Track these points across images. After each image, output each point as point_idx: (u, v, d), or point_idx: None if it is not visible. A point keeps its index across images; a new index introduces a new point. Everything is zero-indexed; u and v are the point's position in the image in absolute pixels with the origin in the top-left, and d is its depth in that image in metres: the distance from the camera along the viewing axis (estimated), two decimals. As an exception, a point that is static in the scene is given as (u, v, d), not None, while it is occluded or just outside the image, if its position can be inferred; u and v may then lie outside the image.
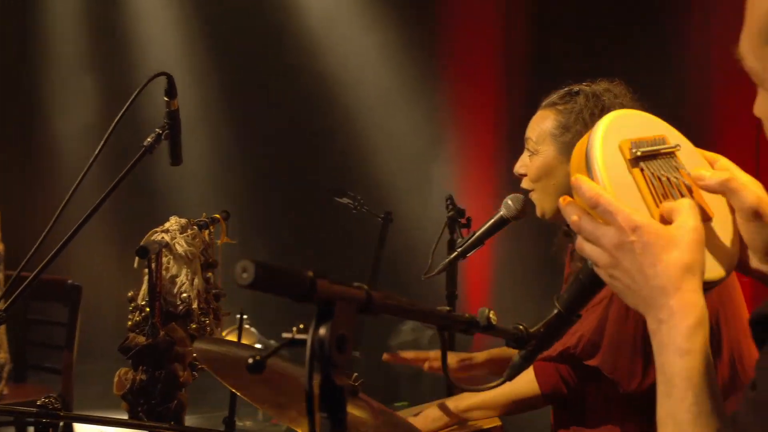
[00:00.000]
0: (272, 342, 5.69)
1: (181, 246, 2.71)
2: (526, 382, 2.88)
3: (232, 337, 4.40)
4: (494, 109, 7.04)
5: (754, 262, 1.62)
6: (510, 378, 1.88)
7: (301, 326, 1.38)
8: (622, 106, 2.98)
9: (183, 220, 2.75)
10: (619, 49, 6.36)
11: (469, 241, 3.20)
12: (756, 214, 1.57)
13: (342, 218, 5.39)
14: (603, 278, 1.58)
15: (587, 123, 2.96)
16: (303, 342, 1.43)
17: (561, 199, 1.63)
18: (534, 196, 3.09)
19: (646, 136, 1.62)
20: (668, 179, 1.59)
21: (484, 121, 7.05)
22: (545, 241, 4.19)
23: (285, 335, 1.45)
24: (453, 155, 6.97)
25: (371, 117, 6.87)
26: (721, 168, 1.65)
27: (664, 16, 6.57)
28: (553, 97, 3.11)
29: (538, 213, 3.11)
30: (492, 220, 3.18)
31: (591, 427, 2.92)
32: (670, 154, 1.63)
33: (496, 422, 3.04)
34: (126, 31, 7.99)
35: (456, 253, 3.22)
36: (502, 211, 3.16)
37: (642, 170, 1.58)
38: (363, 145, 6.85)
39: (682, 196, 1.59)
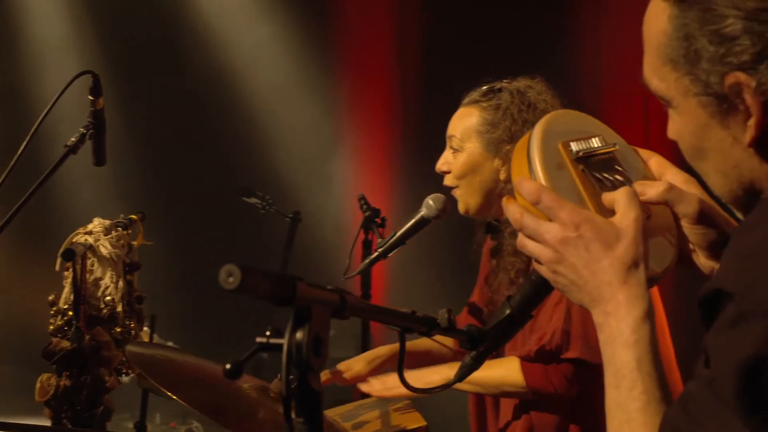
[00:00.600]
0: (170, 344, 5.60)
1: (105, 248, 2.65)
2: (515, 373, 2.91)
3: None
4: (388, 106, 7.06)
5: (700, 259, 1.66)
6: (460, 379, 1.88)
7: (273, 329, 1.35)
8: (546, 102, 3.04)
9: (107, 222, 2.69)
10: (511, 40, 6.43)
11: (390, 241, 3.19)
12: (701, 218, 1.61)
13: (250, 218, 5.34)
14: (546, 275, 1.60)
15: (515, 119, 3.02)
16: (277, 346, 1.42)
17: (504, 200, 1.65)
18: (458, 193, 3.12)
19: (584, 136, 1.65)
20: (607, 178, 1.62)
21: (378, 118, 7.06)
22: (445, 241, 4.25)
23: (259, 339, 1.42)
24: (351, 152, 6.96)
25: (271, 113, 6.81)
26: (657, 165, 1.69)
27: (555, 9, 6.66)
28: (475, 94, 3.15)
29: (462, 209, 3.14)
30: (413, 220, 3.18)
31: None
32: (608, 154, 1.66)
33: (421, 422, 3.06)
34: (9, 28, 7.76)
35: (377, 253, 3.21)
36: (423, 211, 3.16)
37: (582, 170, 1.61)
38: (265, 143, 6.79)
39: None
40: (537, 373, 2.89)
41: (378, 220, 3.59)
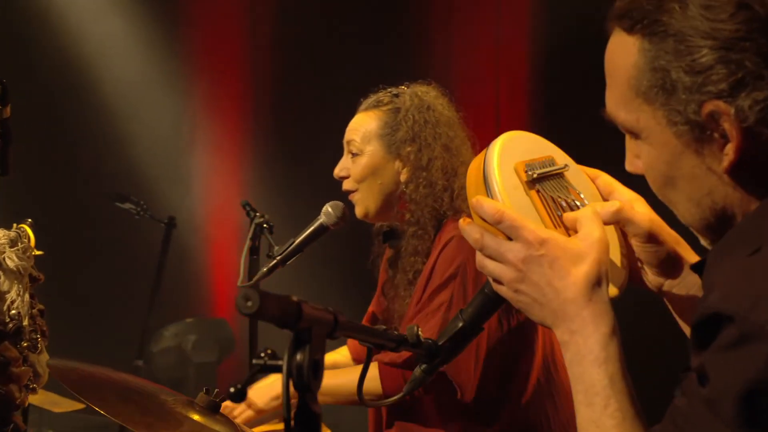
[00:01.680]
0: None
1: (12, 260, 2.55)
2: (370, 380, 2.93)
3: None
4: (241, 105, 7.00)
5: (650, 277, 1.71)
6: (409, 392, 1.91)
7: (269, 351, 1.33)
8: (443, 105, 3.12)
9: (12, 233, 2.58)
10: (366, 36, 6.47)
11: (289, 249, 3.19)
12: (651, 237, 1.66)
13: (123, 224, 5.21)
14: (505, 294, 1.62)
15: (416, 120, 3.08)
16: (275, 368, 1.42)
17: (461, 221, 1.67)
18: (357, 197, 3.15)
19: (537, 158, 1.70)
20: (562, 199, 1.67)
21: (232, 116, 6.98)
22: (341, 250, 4.26)
23: (256, 361, 1.41)
24: (211, 150, 6.85)
25: (131, 114, 6.63)
26: (604, 184, 1.74)
27: (407, 11, 6.73)
28: (372, 100, 3.20)
29: (360, 214, 3.16)
30: (311, 228, 3.19)
31: (420, 427, 3.02)
32: (560, 175, 1.71)
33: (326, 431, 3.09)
34: None
35: (275, 260, 3.20)
36: (322, 219, 3.18)
37: (538, 191, 1.65)
38: (127, 144, 6.60)
39: None
40: (394, 377, 2.93)
41: (266, 226, 3.55)
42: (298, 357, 1.39)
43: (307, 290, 5.78)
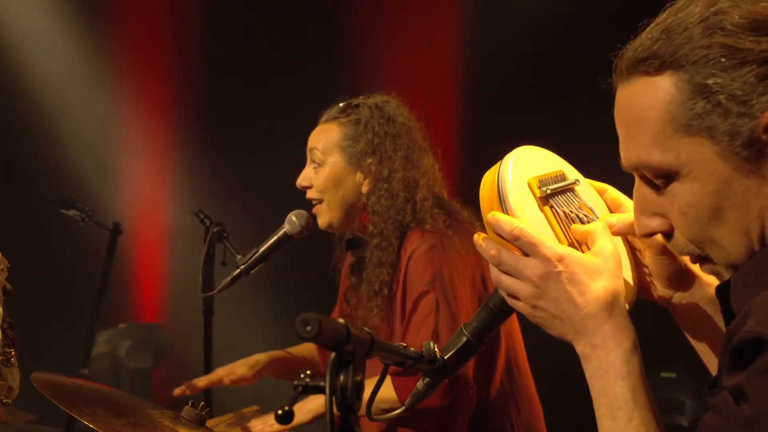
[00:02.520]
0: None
1: (-13, 274, 2.51)
2: (388, 389, 2.93)
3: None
4: (167, 109, 6.92)
5: (659, 289, 1.73)
6: (411, 406, 1.93)
7: (308, 372, 1.31)
8: (403, 116, 3.15)
9: (-14, 247, 2.55)
10: (294, 41, 6.45)
11: (253, 258, 3.20)
12: (665, 249, 1.68)
13: (68, 231, 5.12)
14: (521, 310, 1.63)
15: (376, 132, 3.11)
16: (317, 389, 1.43)
17: (475, 236, 1.69)
18: (321, 208, 3.17)
19: (548, 173, 1.72)
20: (574, 214, 1.70)
21: (159, 118, 6.90)
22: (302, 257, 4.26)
23: (297, 382, 1.43)
24: (142, 151, 6.75)
25: (59, 112, 6.47)
26: (611, 198, 1.76)
27: (333, 13, 6.73)
28: (333, 111, 3.22)
29: (323, 223, 3.19)
30: (275, 237, 3.21)
31: None
32: (571, 190, 1.73)
33: (255, 407, 3.15)
34: None
35: (239, 269, 3.21)
36: (286, 227, 3.20)
37: (551, 207, 1.67)
38: (56, 143, 6.43)
39: None
40: (409, 387, 2.94)
41: (224, 233, 3.54)
42: (341, 378, 1.40)
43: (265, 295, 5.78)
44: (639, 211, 1.54)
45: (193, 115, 6.70)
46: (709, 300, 1.68)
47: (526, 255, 1.60)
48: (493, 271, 1.65)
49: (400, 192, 3.07)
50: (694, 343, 1.74)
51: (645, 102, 1.45)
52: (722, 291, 1.51)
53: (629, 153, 1.49)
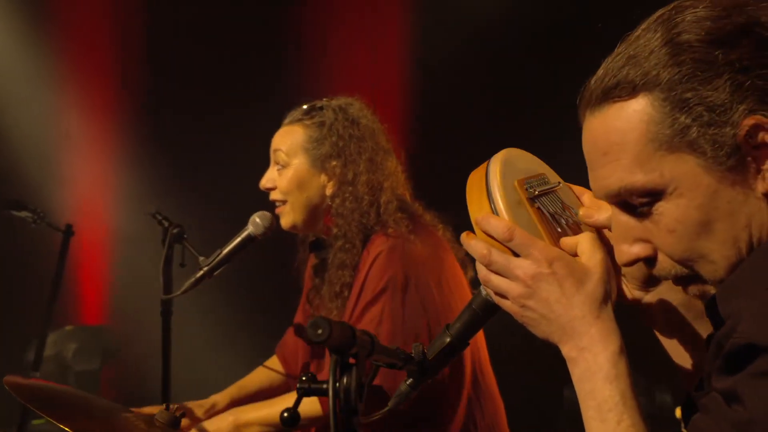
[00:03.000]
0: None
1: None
2: (308, 404, 2.94)
3: None
4: (110, 104, 6.84)
5: (632, 292, 1.77)
6: (395, 406, 1.94)
7: (309, 375, 1.32)
8: (367, 118, 3.17)
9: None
10: (236, 39, 6.42)
11: (216, 259, 3.18)
12: None
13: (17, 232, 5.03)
14: (509, 309, 1.66)
15: (341, 134, 3.13)
16: (320, 391, 1.45)
17: (464, 235, 1.71)
18: (284, 209, 3.18)
19: (533, 175, 1.75)
20: (559, 215, 1.73)
21: (101, 117, 6.81)
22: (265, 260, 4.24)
23: (300, 385, 1.44)
24: (74, 151, 6.66)
25: (5, 116, 6.38)
26: (590, 200, 1.79)
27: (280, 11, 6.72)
28: (296, 113, 3.23)
29: (287, 225, 3.19)
30: (239, 238, 3.19)
31: None
32: (554, 192, 1.77)
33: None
34: None
35: (203, 271, 3.19)
36: (250, 229, 3.18)
37: (538, 208, 1.71)
38: (6, 151, 6.35)
39: (572, 231, 1.75)
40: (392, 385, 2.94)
41: (184, 235, 3.51)
42: (345, 380, 1.42)
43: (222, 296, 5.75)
44: (620, 239, 1.56)
45: (139, 115, 6.64)
46: (680, 301, 1.72)
47: (516, 255, 1.62)
48: (482, 271, 1.67)
49: (364, 195, 3.09)
50: (665, 343, 1.77)
51: (622, 126, 1.47)
52: (709, 302, 1.53)
53: (610, 179, 1.50)
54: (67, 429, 2.11)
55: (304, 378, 1.44)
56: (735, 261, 1.46)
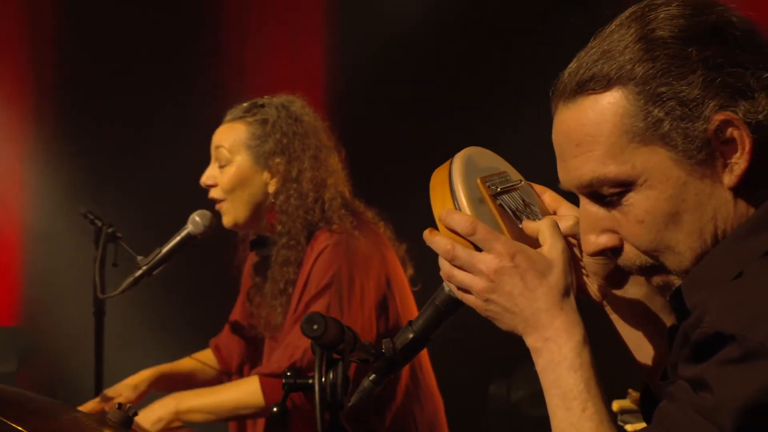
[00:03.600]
0: None
1: None
2: (252, 394, 2.95)
3: None
4: (19, 96, 6.68)
5: (594, 287, 1.80)
6: (357, 402, 1.95)
7: (293, 370, 1.32)
8: (309, 116, 3.20)
9: None
10: (152, 34, 6.36)
11: (156, 259, 3.17)
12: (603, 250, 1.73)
13: None
14: (473, 304, 1.67)
15: (285, 132, 3.13)
16: (305, 386, 1.46)
17: (426, 232, 1.73)
18: (226, 206, 3.17)
19: (495, 172, 1.78)
20: (520, 212, 1.76)
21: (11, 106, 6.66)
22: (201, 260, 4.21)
23: (286, 380, 1.45)
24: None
25: None
26: (551, 199, 1.82)
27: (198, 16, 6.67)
28: (237, 111, 3.22)
29: (228, 223, 3.18)
30: (179, 237, 3.18)
31: None
32: (516, 190, 1.79)
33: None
34: None
35: (142, 270, 3.17)
36: (190, 228, 3.18)
37: (500, 205, 1.73)
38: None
39: None
40: (277, 389, 2.91)
41: (118, 234, 3.48)
42: (330, 375, 1.43)
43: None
44: (587, 230, 1.59)
45: (54, 110, 6.52)
46: (643, 297, 1.76)
47: (479, 250, 1.65)
48: (445, 266, 1.68)
49: (309, 192, 3.10)
50: (626, 336, 1.80)
51: (596, 118, 1.51)
52: (673, 296, 1.57)
53: (582, 170, 1.54)
54: (21, 430, 2.08)
55: (288, 374, 1.45)
56: (700, 252, 1.50)
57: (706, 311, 1.39)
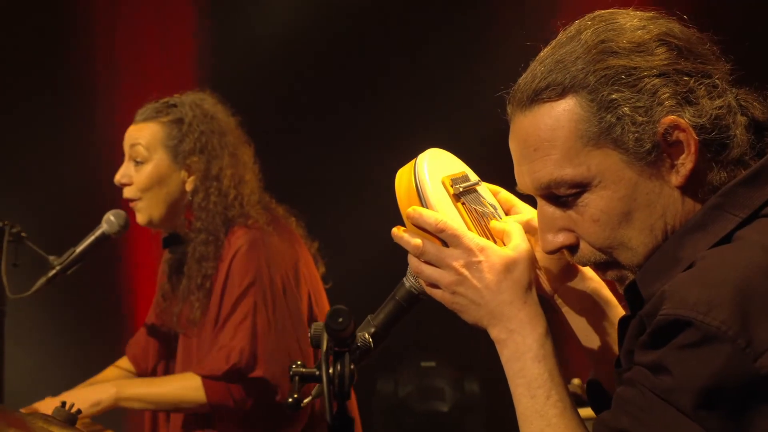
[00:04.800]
0: None
1: None
2: (195, 390, 3.00)
3: None
4: None
5: (547, 283, 1.90)
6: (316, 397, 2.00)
7: (299, 362, 1.33)
8: (221, 112, 3.25)
9: None
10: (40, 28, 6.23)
11: (70, 258, 3.15)
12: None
13: None
14: (440, 297, 1.76)
15: (203, 131, 3.16)
16: (312, 376, 1.52)
17: (394, 229, 1.80)
18: (140, 205, 3.18)
19: (456, 173, 1.87)
20: (480, 210, 1.85)
21: None
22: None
23: (295, 370, 1.51)
24: None
25: None
26: (504, 199, 1.92)
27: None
28: (149, 111, 3.23)
29: (143, 221, 3.20)
30: (93, 237, 3.18)
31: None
32: (475, 190, 1.89)
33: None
34: None
35: (56, 270, 3.15)
36: (104, 227, 3.18)
37: (463, 204, 1.82)
38: None
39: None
40: (220, 390, 3.04)
41: (23, 234, 3.43)
42: (338, 367, 1.49)
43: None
44: (545, 229, 1.69)
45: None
46: (591, 291, 1.87)
47: (446, 246, 1.73)
48: (413, 262, 1.76)
49: (229, 189, 3.14)
50: (576, 328, 1.91)
51: (552, 124, 1.61)
52: (629, 290, 1.68)
53: (540, 173, 1.63)
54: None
55: (293, 366, 1.51)
56: (652, 247, 1.61)
57: (663, 300, 1.49)
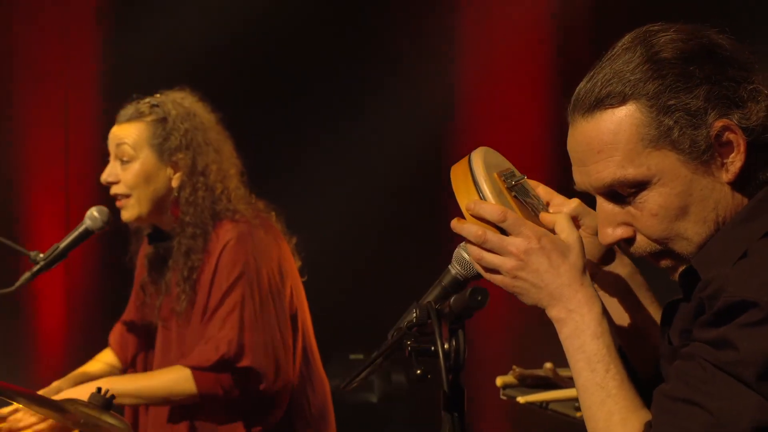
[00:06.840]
0: None
1: None
2: (185, 382, 3.08)
3: None
4: None
5: (588, 266, 2.01)
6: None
7: (412, 340, 1.42)
8: (203, 109, 3.36)
9: None
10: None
11: (54, 254, 3.19)
12: (596, 230, 1.98)
13: None
14: (500, 282, 1.88)
15: (187, 129, 3.25)
16: (427, 351, 1.67)
17: (454, 221, 1.93)
18: (128, 202, 3.24)
19: (505, 168, 2.03)
20: (529, 202, 2.01)
21: None
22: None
23: (410, 348, 1.65)
24: None
25: None
26: (544, 192, 2.07)
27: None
28: (131, 111, 3.29)
29: (131, 218, 3.27)
30: (77, 233, 3.23)
31: (215, 422, 3.20)
32: (521, 183, 2.04)
33: None
34: None
35: (40, 265, 3.18)
36: (88, 223, 3.23)
37: (515, 196, 1.98)
38: None
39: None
40: (209, 380, 3.12)
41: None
42: (453, 342, 1.65)
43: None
44: (605, 223, 1.86)
45: None
46: (626, 275, 2.06)
47: (505, 235, 1.88)
48: (474, 250, 1.89)
49: (216, 183, 3.23)
50: (609, 309, 2.07)
51: (615, 128, 1.79)
52: (685, 275, 1.85)
53: (603, 173, 1.80)
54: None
55: (407, 342, 1.65)
56: (705, 237, 1.80)
57: (726, 283, 1.67)
